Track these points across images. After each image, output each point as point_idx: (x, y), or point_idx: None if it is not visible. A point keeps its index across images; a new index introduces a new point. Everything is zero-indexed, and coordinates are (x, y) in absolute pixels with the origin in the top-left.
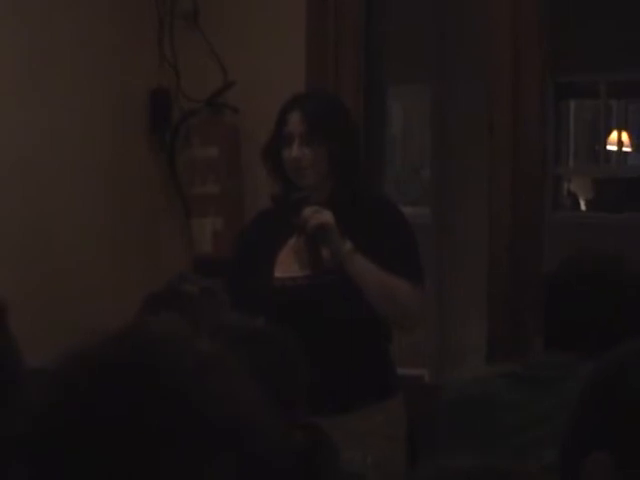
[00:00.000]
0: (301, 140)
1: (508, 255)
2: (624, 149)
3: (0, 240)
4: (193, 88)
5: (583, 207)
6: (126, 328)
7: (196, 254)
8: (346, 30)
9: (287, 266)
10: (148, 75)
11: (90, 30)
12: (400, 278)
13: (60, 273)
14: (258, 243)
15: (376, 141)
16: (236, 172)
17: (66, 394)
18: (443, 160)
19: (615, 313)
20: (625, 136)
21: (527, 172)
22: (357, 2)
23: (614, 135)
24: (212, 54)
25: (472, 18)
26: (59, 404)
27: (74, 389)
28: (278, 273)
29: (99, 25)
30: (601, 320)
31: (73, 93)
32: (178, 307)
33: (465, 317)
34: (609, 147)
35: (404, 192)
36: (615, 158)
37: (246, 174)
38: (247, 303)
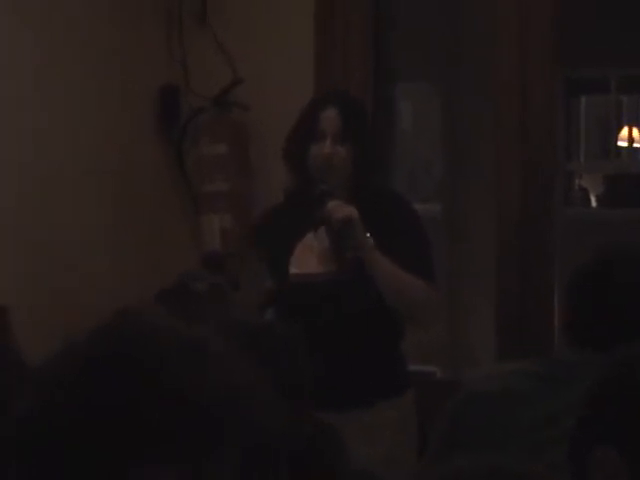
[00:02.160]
0: (334, 137)
1: (518, 250)
2: (635, 145)
3: (7, 240)
4: (202, 86)
5: (594, 203)
6: (113, 319)
7: (204, 251)
8: (354, 27)
9: (304, 262)
10: (157, 73)
11: (99, 28)
12: (415, 276)
13: (68, 270)
14: (275, 238)
15: (384, 138)
16: (245, 169)
17: (66, 394)
18: (454, 158)
19: (636, 314)
20: (636, 132)
21: (536, 166)
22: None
23: (625, 131)
24: (221, 52)
25: (479, 15)
26: (58, 404)
27: (70, 387)
28: (295, 269)
29: (108, 23)
30: (623, 320)
31: (82, 92)
32: (187, 303)
33: (475, 313)
34: (620, 143)
35: (416, 189)
36: (626, 154)
37: (255, 171)
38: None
